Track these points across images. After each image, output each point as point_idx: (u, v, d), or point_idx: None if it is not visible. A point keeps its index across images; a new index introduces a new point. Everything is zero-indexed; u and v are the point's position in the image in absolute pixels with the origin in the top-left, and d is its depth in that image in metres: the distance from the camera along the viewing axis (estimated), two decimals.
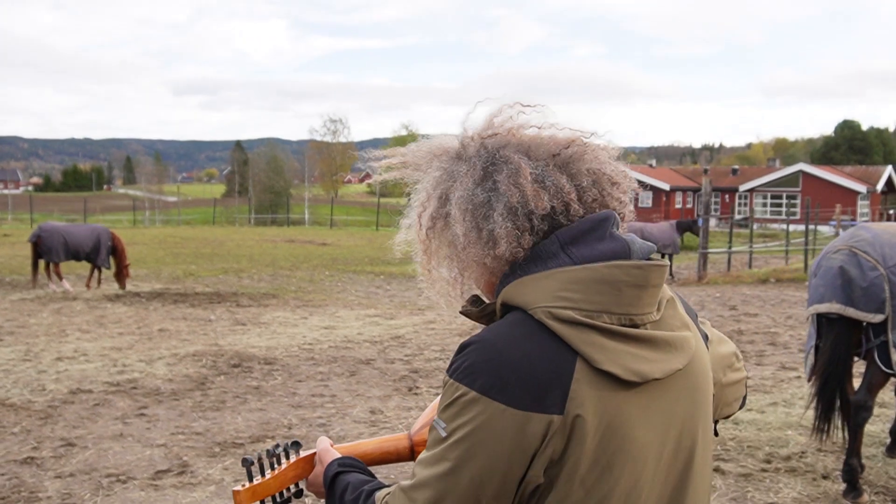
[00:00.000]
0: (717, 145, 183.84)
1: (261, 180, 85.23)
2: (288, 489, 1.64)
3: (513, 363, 1.18)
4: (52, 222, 16.00)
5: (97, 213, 46.10)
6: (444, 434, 1.22)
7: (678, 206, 57.02)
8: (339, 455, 1.58)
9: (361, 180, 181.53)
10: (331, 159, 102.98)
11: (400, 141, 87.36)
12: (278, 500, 1.61)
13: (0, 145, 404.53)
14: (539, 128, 1.35)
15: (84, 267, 17.33)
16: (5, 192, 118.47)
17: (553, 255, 1.24)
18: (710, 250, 19.04)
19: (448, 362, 1.35)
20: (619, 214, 1.33)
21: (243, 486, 1.56)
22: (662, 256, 19.18)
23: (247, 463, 1.57)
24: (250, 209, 63.39)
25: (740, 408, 1.57)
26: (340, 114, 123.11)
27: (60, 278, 15.32)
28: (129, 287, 15.60)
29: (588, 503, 1.20)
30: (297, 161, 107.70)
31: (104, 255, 15.42)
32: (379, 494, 1.35)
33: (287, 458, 1.64)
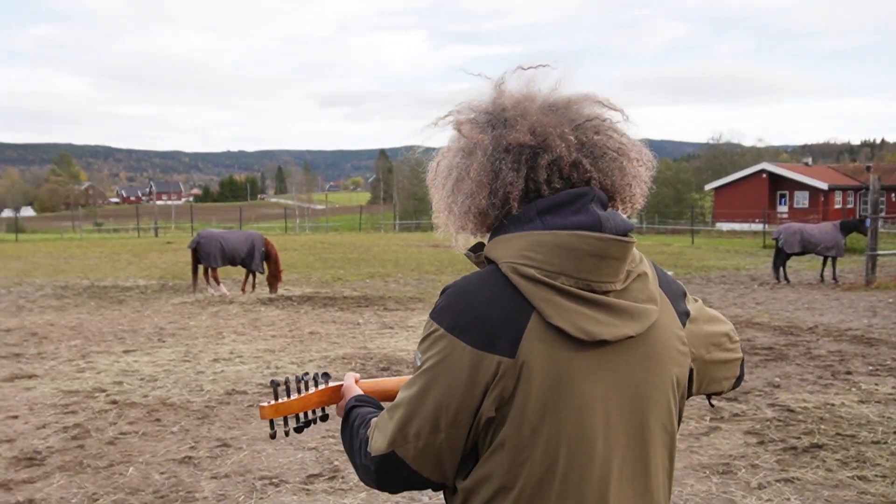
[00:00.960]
0: (877, 141, 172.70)
1: (405, 187, 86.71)
2: (313, 412, 1.81)
3: (475, 309, 1.33)
4: (210, 230, 16.67)
5: (251, 221, 48.13)
6: (418, 363, 1.40)
7: (837, 205, 53.65)
8: (361, 391, 1.76)
9: None
10: None
11: None
12: (301, 419, 1.80)
13: (164, 159, 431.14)
14: (572, 100, 1.46)
15: (240, 272, 18.01)
16: (169, 202, 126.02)
17: (530, 220, 1.37)
18: (879, 252, 17.64)
19: None
20: (617, 192, 1.45)
21: (269, 402, 1.75)
22: (825, 260, 17.98)
23: (274, 384, 1.76)
24: (395, 215, 64.54)
25: (734, 387, 1.64)
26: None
27: (218, 283, 15.93)
28: (281, 291, 16.05)
29: (536, 440, 1.32)
30: None
31: (258, 260, 15.92)
32: (374, 419, 1.52)
33: (316, 385, 1.81)
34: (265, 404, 1.75)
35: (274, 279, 15.91)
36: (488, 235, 1.47)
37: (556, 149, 1.38)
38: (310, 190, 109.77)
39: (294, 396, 1.78)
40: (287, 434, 1.81)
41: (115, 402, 7.02)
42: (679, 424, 1.49)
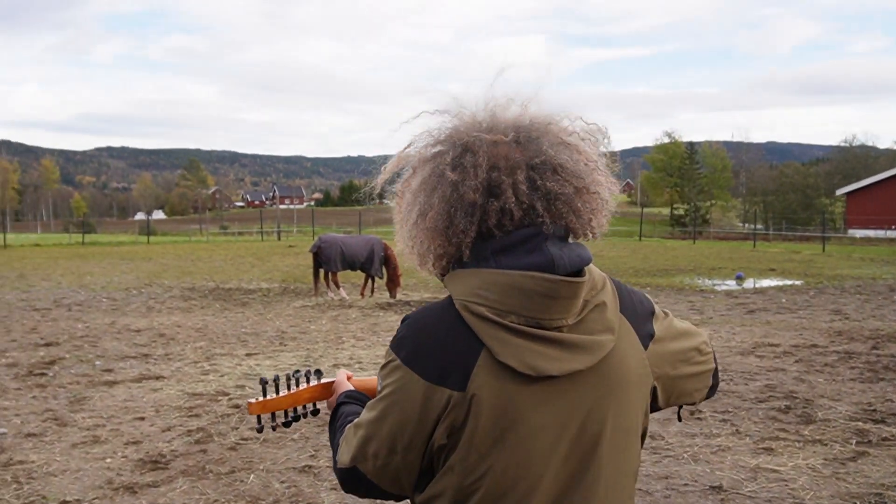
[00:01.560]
0: None
1: None
2: (304, 407, 1.92)
3: (430, 343, 1.39)
4: (330, 234, 16.83)
5: (370, 225, 48.83)
6: (379, 388, 1.47)
7: None
8: (352, 388, 1.84)
9: (622, 190, 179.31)
10: None
11: (663, 149, 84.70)
12: (290, 414, 1.91)
13: (287, 164, 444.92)
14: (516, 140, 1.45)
15: (359, 276, 18.13)
16: (291, 206, 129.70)
17: (485, 258, 1.40)
18: None
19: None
20: (570, 228, 1.45)
21: (257, 399, 1.86)
22: None
23: (262, 382, 1.87)
24: None
25: (707, 397, 1.66)
26: (599, 124, 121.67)
27: (338, 287, 16.06)
28: (399, 296, 16.04)
29: (482, 466, 1.39)
30: None
31: (377, 265, 15.96)
32: (350, 424, 1.58)
33: (308, 382, 1.92)
34: (253, 401, 1.86)
35: (393, 284, 15.91)
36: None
37: (508, 200, 1.40)
38: None
39: (283, 392, 1.90)
40: (274, 429, 1.91)
41: (237, 406, 7.04)
42: (643, 441, 1.56)
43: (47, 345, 10.37)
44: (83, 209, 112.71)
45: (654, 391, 1.53)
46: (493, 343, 1.36)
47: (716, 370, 1.66)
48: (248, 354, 9.66)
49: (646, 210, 65.83)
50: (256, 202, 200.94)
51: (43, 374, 8.44)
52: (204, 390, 7.67)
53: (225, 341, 10.69)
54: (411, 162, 1.53)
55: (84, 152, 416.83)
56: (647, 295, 1.59)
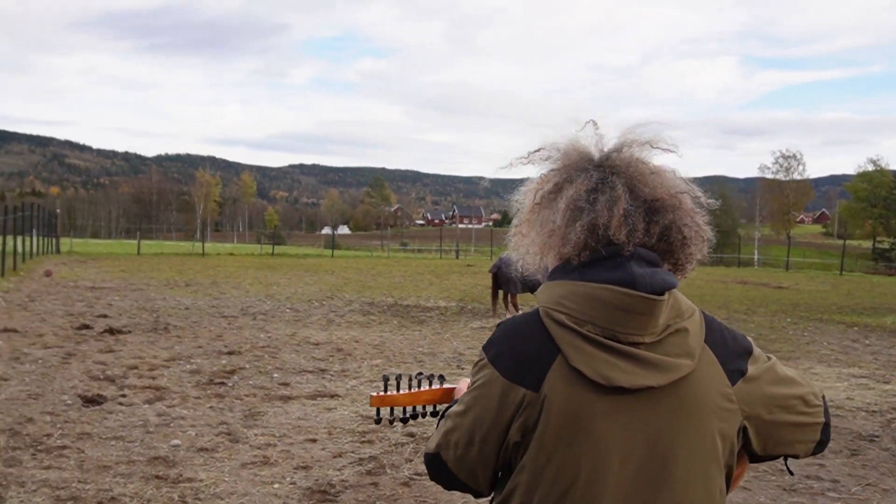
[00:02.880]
0: None
1: (708, 219, 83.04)
2: (423, 408, 2.02)
3: (512, 345, 1.50)
4: (510, 255, 16.28)
5: None
6: (470, 384, 1.57)
7: None
8: None
9: (816, 220, 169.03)
10: (783, 197, 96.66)
11: (866, 177, 78.92)
12: (408, 412, 2.02)
13: (466, 185, 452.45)
14: (652, 172, 1.55)
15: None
16: (469, 226, 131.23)
17: (573, 270, 1.50)
18: None
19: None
20: (672, 255, 1.55)
21: (378, 393, 1.99)
22: None
23: (385, 378, 2.03)
24: None
25: (815, 452, 1.63)
26: (794, 149, 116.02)
27: (517, 309, 15.53)
28: None
29: (549, 467, 1.45)
30: (745, 199, 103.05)
31: None
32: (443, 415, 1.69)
33: (430, 384, 2.03)
34: (374, 394, 1.97)
35: None
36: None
37: (615, 215, 1.48)
38: None
39: (403, 391, 1.99)
40: (392, 423, 2.01)
41: (411, 434, 6.59)
42: (730, 477, 1.53)
43: (230, 353, 10.44)
44: (275, 222, 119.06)
45: (745, 432, 1.53)
46: (568, 349, 1.44)
47: (826, 425, 1.62)
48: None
49: (841, 243, 61.19)
50: (436, 220, 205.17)
51: (222, 384, 8.39)
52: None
53: (402, 360, 10.37)
54: (536, 187, 1.62)
55: (279, 168, 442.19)
56: (747, 336, 1.60)
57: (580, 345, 1.43)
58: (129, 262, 31.70)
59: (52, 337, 11.13)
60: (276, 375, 9.01)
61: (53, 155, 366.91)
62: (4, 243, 21.85)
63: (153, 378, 8.52)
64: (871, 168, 79.98)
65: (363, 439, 6.42)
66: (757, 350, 1.57)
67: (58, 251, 39.01)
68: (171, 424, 6.66)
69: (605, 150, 1.59)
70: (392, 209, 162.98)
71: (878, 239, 73.72)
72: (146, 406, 7.25)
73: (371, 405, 1.98)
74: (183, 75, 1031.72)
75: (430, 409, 2.01)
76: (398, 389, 1.99)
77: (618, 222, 1.48)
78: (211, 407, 7.34)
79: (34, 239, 32.12)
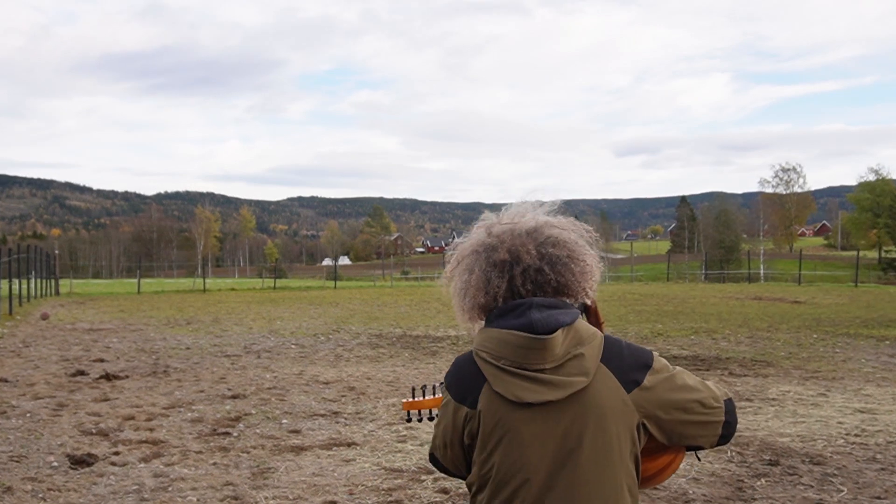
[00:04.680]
0: None
1: (710, 235, 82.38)
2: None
3: (458, 376, 2.00)
4: None
5: None
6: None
7: None
8: None
9: (817, 233, 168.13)
10: (784, 211, 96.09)
11: (868, 187, 78.32)
12: (432, 413, 2.48)
13: (465, 211, 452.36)
14: (530, 234, 2.03)
15: None
16: None
17: (491, 321, 1.98)
18: None
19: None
20: (570, 287, 2.00)
21: (407, 400, 2.51)
22: None
23: (412, 389, 2.56)
24: (704, 264, 60.75)
25: (719, 444, 2.03)
26: (793, 162, 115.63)
27: None
28: None
29: (489, 462, 1.92)
30: (744, 214, 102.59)
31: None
32: None
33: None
34: (405, 400, 2.51)
35: None
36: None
37: (524, 261, 1.96)
38: (607, 239, 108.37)
39: (428, 396, 2.51)
40: (420, 420, 2.52)
41: (445, 490, 5.79)
42: (637, 464, 1.93)
43: (234, 397, 9.67)
44: (275, 255, 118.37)
45: (645, 428, 1.93)
46: (490, 377, 1.92)
47: (727, 423, 2.00)
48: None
49: (846, 254, 60.47)
50: (436, 248, 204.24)
51: (227, 434, 7.62)
52: (403, 465, 6.49)
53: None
54: (463, 252, 2.10)
55: (277, 202, 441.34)
56: (654, 353, 1.98)
57: (498, 374, 1.88)
58: (129, 302, 30.94)
59: (43, 386, 10.38)
60: (285, 421, 8.24)
61: (54, 197, 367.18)
62: None
63: (150, 430, 7.75)
64: (872, 178, 79.37)
65: (390, 498, 5.62)
66: (658, 363, 1.95)
67: (57, 293, 38.29)
68: (170, 488, 5.86)
69: (494, 230, 2.05)
70: (392, 238, 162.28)
71: (886, 248, 72.84)
72: (142, 465, 6.45)
73: (403, 409, 2.47)
74: (181, 114, 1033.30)
75: None
76: (424, 395, 2.50)
77: (508, 284, 1.97)
78: (214, 463, 6.54)
79: (33, 281, 31.45)
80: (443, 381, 2.39)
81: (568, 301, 2.01)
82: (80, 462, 6.42)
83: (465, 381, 1.95)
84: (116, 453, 6.80)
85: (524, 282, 1.95)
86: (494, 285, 1.96)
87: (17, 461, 6.53)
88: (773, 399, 9.47)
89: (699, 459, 2.18)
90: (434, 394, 2.47)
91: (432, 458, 2.15)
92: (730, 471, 6.26)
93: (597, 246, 2.09)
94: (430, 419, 2.40)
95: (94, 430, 7.69)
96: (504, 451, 1.89)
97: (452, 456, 2.04)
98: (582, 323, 1.93)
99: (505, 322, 1.92)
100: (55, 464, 6.46)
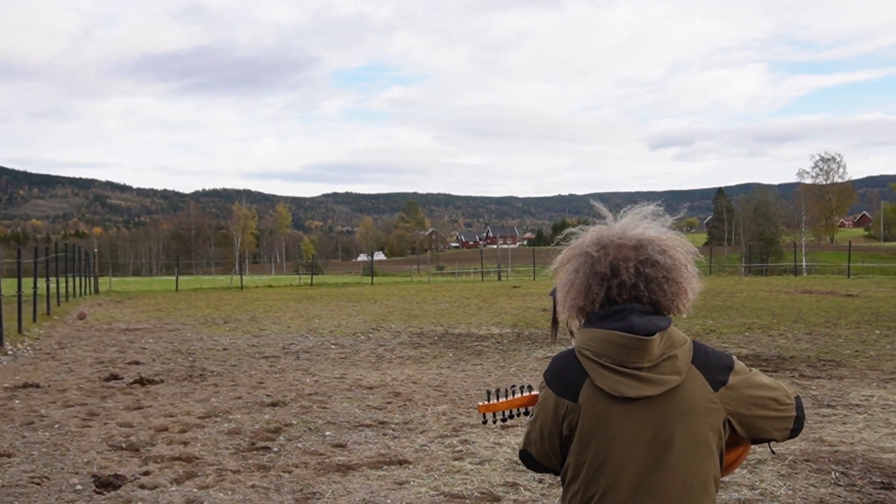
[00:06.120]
0: None
1: (749, 227, 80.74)
2: (518, 410, 2.60)
3: (559, 372, 2.15)
4: None
5: None
6: (538, 399, 2.24)
7: None
8: None
9: (857, 223, 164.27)
10: (825, 202, 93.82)
11: None
12: (506, 414, 2.61)
13: (499, 205, 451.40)
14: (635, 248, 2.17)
15: None
16: (504, 246, 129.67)
17: (593, 322, 2.13)
18: None
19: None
20: (661, 304, 2.15)
21: (483, 403, 2.60)
22: None
23: (488, 391, 2.68)
24: (745, 257, 59.35)
25: (791, 437, 2.19)
26: (832, 152, 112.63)
27: (572, 334, 14.08)
28: None
29: (585, 452, 2.07)
30: (782, 206, 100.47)
31: None
32: None
33: (521, 392, 2.61)
34: (481, 403, 2.60)
35: None
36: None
37: (622, 276, 2.12)
38: None
39: (501, 399, 2.60)
40: (495, 422, 2.60)
41: None
42: (722, 456, 2.09)
43: (273, 405, 9.10)
44: (311, 251, 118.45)
45: (730, 423, 2.09)
46: (592, 373, 2.06)
47: (797, 418, 2.18)
48: (505, 427, 7.76)
49: (889, 244, 58.64)
50: (470, 242, 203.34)
51: (266, 449, 7.02)
52: (464, 489, 5.80)
53: (471, 405, 8.94)
54: (574, 250, 2.25)
55: (312, 199, 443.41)
56: (733, 356, 2.15)
57: (599, 370, 2.06)
58: (167, 300, 30.68)
59: (75, 392, 9.91)
60: (328, 434, 7.63)
61: (96, 196, 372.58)
62: (36, 287, 20.85)
63: (184, 444, 7.19)
64: None
65: None
66: (738, 365, 2.14)
67: (96, 291, 38.25)
68: None
69: (604, 239, 2.21)
70: (426, 233, 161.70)
71: None
72: (174, 489, 5.85)
73: (479, 412, 2.61)
74: (219, 113, 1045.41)
75: (522, 410, 2.60)
76: (498, 398, 2.62)
77: (606, 294, 2.15)
78: (253, 486, 5.92)
79: (72, 280, 31.33)
80: (516, 387, 2.67)
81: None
82: (105, 485, 5.83)
83: (566, 376, 2.12)
84: (146, 473, 6.23)
85: (620, 293, 2.12)
86: (594, 292, 2.14)
87: (37, 483, 5.97)
88: (858, 406, 8.67)
89: (774, 453, 1.98)
90: (507, 396, 2.60)
91: (523, 455, 2.29)
92: (840, 497, 5.49)
93: (695, 263, 2.23)
94: (504, 420, 2.60)
95: (123, 444, 7.15)
96: (601, 442, 2.05)
97: (550, 447, 2.17)
98: (674, 328, 2.11)
99: (607, 324, 2.09)
100: (79, 487, 5.88)
